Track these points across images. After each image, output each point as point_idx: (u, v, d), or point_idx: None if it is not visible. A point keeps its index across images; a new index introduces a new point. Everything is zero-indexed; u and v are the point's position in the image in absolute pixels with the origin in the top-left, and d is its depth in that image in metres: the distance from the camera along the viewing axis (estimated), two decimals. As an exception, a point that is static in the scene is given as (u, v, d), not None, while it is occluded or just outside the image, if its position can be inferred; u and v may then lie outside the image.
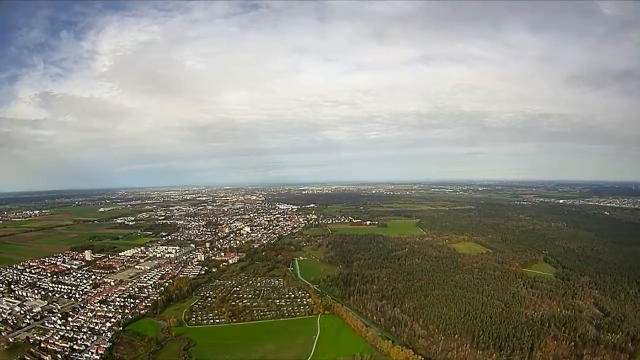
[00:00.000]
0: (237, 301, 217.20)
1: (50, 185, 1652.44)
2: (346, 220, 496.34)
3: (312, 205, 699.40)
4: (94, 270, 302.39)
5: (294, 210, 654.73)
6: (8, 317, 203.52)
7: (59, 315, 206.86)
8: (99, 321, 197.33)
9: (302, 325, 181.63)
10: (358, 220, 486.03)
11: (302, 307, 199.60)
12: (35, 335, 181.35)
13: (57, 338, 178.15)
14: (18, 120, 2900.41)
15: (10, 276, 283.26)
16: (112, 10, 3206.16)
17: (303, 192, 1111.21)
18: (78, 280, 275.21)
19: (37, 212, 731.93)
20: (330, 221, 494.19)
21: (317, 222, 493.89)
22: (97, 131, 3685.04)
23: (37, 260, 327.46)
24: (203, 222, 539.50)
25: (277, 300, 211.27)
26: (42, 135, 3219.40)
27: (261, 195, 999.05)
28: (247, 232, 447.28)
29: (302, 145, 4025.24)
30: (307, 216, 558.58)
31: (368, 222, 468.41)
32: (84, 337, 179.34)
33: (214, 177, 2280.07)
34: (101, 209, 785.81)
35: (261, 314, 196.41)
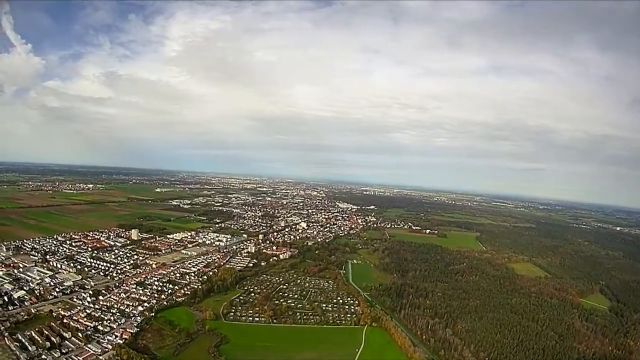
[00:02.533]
0: (281, 300, 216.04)
1: (109, 162, 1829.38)
2: (405, 227, 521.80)
3: (372, 206, 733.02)
4: (137, 250, 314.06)
5: (354, 210, 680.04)
6: (36, 287, 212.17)
7: (90, 292, 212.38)
8: (131, 303, 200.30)
9: (346, 335, 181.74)
10: (417, 228, 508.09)
11: (348, 316, 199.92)
12: (60, 309, 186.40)
13: (82, 315, 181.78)
14: (81, 96, 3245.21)
15: (48, 246, 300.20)
16: None
17: (364, 192, 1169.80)
18: (119, 258, 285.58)
19: (90, 186, 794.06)
20: (389, 225, 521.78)
21: (375, 225, 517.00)
22: (162, 113, 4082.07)
23: (80, 234, 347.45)
24: (260, 213, 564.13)
25: (324, 305, 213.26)
26: (105, 112, 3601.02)
27: (322, 192, 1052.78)
28: (303, 227, 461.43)
29: (367, 146, 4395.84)
30: (366, 218, 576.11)
31: (427, 231, 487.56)
32: (112, 318, 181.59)
33: (277, 169, 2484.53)
34: (158, 189, 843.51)
35: (304, 317, 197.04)
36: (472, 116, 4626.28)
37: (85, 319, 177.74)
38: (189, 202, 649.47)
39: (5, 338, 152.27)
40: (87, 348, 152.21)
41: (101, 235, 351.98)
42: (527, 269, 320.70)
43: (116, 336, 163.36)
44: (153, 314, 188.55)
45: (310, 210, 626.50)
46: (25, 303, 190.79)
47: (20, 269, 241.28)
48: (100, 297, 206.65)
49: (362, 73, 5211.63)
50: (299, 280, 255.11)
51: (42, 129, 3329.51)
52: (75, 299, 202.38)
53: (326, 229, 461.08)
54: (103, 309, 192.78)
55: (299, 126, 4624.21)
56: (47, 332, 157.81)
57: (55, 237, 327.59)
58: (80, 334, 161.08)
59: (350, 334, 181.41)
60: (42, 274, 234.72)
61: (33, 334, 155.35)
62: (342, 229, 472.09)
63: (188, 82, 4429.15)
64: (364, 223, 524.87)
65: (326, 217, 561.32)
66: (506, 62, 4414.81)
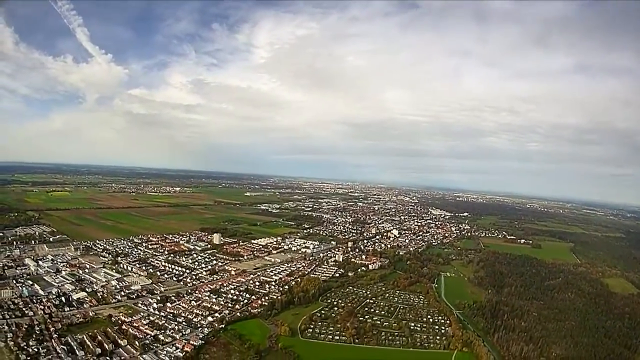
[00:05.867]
0: (367, 317, 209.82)
1: (199, 166, 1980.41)
2: (500, 236, 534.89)
3: (465, 214, 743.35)
4: (217, 255, 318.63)
5: (447, 217, 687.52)
6: (99, 289, 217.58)
7: (158, 297, 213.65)
8: (200, 313, 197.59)
9: None
10: (512, 237, 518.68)
11: (438, 338, 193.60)
12: (121, 314, 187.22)
13: (144, 322, 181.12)
14: (169, 103, 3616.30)
15: (121, 248, 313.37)
16: (266, 6, 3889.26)
17: (457, 198, 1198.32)
18: (196, 263, 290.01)
19: (177, 189, 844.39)
20: (484, 234, 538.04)
21: (469, 234, 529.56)
22: (255, 120, 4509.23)
23: (158, 236, 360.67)
24: (350, 219, 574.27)
25: (412, 324, 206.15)
26: (195, 119, 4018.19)
27: (414, 197, 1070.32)
28: (395, 235, 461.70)
29: (460, 151, 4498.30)
30: (460, 226, 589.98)
31: (522, 241, 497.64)
32: (176, 327, 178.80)
33: (369, 174, 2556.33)
34: (247, 193, 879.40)
35: (389, 337, 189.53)
36: (562, 119, 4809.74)
37: (146, 327, 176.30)
38: (278, 206, 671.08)
39: (53, 340, 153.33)
40: (141, 358, 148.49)
41: (181, 239, 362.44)
42: (620, 285, 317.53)
43: (177, 348, 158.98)
44: (223, 326, 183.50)
45: (402, 217, 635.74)
46: (84, 305, 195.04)
47: (87, 270, 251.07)
48: (168, 304, 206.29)
49: (452, 76, 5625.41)
50: (387, 294, 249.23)
51: (128, 134, 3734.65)
52: (140, 304, 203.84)
53: (418, 237, 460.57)
54: (169, 316, 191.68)
55: (391, 131, 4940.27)
56: (100, 338, 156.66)
57: (130, 238, 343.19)
58: (137, 343, 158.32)
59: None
60: (108, 276, 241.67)
61: (85, 339, 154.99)
62: (435, 237, 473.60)
63: (279, 89, 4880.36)
64: (457, 231, 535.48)
65: (419, 224, 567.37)
66: (591, 61, 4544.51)
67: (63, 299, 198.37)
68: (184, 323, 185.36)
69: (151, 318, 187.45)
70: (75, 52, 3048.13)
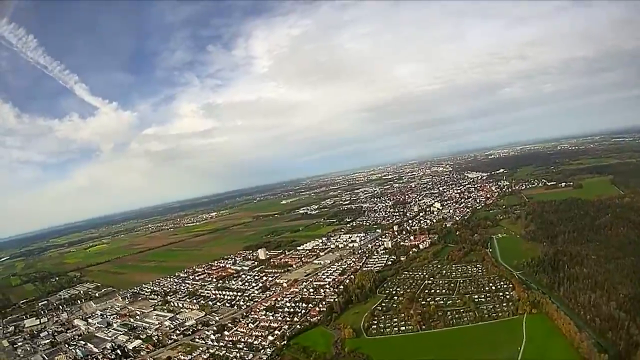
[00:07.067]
0: (428, 299, 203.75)
1: (230, 186, 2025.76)
2: (540, 184, 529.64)
3: (501, 170, 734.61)
4: (266, 270, 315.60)
5: (484, 177, 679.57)
6: (154, 333, 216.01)
7: (214, 328, 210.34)
8: (260, 334, 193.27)
9: (504, 330, 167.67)
10: (552, 183, 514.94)
11: (504, 304, 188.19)
12: (179, 354, 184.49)
13: (204, 357, 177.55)
14: (184, 134, 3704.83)
15: (169, 286, 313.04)
16: (255, 15, 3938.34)
17: (489, 157, 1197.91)
18: (246, 284, 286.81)
19: (213, 214, 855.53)
20: (524, 187, 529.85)
21: (510, 190, 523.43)
22: (272, 128, 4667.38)
23: (203, 265, 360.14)
24: (390, 202, 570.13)
25: (475, 296, 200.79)
26: (214, 142, 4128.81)
27: (448, 166, 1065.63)
28: (438, 208, 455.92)
29: (480, 109, 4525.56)
30: (499, 183, 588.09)
31: (563, 184, 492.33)
32: (238, 355, 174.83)
33: (398, 153, 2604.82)
34: (283, 201, 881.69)
35: (456, 316, 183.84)
36: (570, 54, 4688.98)
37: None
38: (316, 207, 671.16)
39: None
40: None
41: (226, 263, 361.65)
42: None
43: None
44: (285, 342, 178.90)
45: (441, 188, 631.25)
46: (141, 353, 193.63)
47: (138, 317, 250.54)
48: (226, 332, 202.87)
49: (457, 37, 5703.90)
50: (444, 271, 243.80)
51: (152, 173, 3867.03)
52: (197, 339, 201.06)
53: (462, 205, 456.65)
54: (228, 345, 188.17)
55: (410, 105, 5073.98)
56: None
57: (176, 274, 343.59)
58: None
59: (509, 328, 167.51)
60: (161, 318, 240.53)
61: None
62: (478, 200, 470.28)
63: (288, 93, 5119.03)
64: (498, 190, 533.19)
65: (459, 191, 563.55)
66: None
67: (119, 351, 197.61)
68: (245, 349, 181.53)
69: (211, 351, 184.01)
70: (79, 108, 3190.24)
